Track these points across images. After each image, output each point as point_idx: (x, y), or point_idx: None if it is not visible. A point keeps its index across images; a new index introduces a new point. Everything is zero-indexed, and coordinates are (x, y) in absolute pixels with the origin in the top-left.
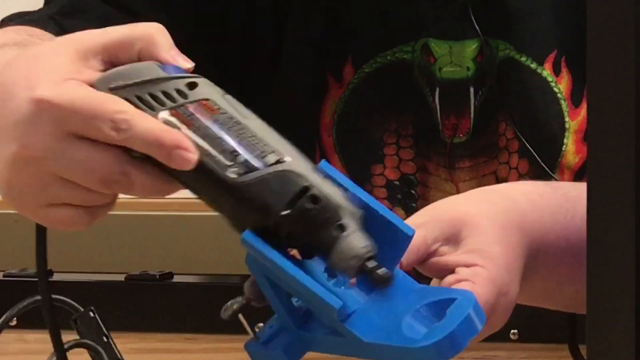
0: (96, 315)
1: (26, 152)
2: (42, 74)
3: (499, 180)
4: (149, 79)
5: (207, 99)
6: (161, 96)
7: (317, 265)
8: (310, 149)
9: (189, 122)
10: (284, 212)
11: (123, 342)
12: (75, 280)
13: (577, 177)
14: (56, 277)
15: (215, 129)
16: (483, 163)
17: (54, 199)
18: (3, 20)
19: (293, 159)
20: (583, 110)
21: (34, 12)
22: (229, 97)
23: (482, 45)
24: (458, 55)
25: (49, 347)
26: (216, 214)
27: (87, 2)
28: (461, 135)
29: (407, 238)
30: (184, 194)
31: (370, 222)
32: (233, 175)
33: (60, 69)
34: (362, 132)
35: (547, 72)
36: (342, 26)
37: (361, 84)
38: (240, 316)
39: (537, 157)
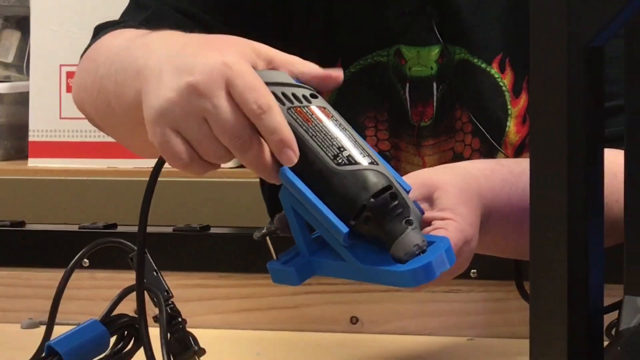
0: (148, 254)
1: (197, 87)
2: (233, 48)
3: (455, 153)
4: (286, 82)
5: (324, 107)
6: (291, 96)
7: None
8: None
9: (309, 119)
10: (371, 200)
11: (171, 279)
12: (134, 231)
13: (517, 150)
14: (120, 229)
15: (329, 128)
16: (443, 141)
17: (186, 128)
18: (99, 26)
19: (381, 164)
20: (522, 100)
21: (125, 21)
22: (336, 111)
23: (443, 50)
24: (424, 58)
25: (116, 283)
26: (244, 180)
27: (165, 13)
28: (426, 120)
29: (407, 192)
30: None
31: None
32: (335, 164)
33: (246, 53)
34: (347, 119)
35: (494, 70)
36: (335, 36)
37: (348, 81)
38: (267, 239)
39: (487, 135)
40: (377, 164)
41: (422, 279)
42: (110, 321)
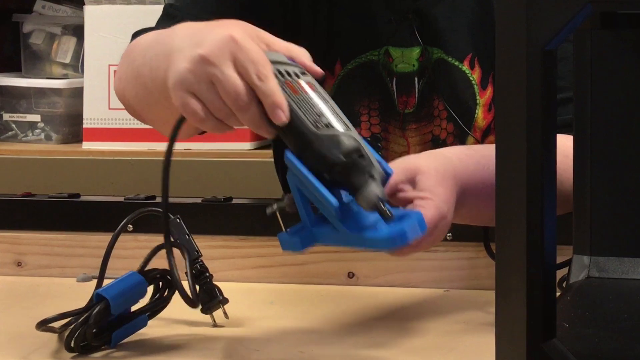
0: (181, 221)
1: (207, 57)
2: (239, 27)
3: (434, 136)
4: (282, 61)
5: (311, 82)
6: (284, 72)
7: None
8: None
9: (297, 91)
10: (342, 158)
11: (200, 241)
12: (170, 201)
13: (484, 133)
14: (158, 199)
15: (313, 98)
16: (424, 125)
17: (199, 91)
18: (136, 32)
19: (353, 130)
20: (488, 92)
21: (158, 27)
22: (320, 86)
23: (423, 51)
24: (408, 57)
25: (155, 244)
26: (261, 160)
27: (189, 21)
28: (410, 108)
29: (388, 175)
30: (241, 147)
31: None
32: (315, 129)
33: (250, 33)
34: (346, 107)
35: (465, 67)
36: (335, 39)
37: (345, 76)
38: (278, 214)
39: (459, 121)
40: (350, 129)
41: (398, 242)
42: (146, 273)
